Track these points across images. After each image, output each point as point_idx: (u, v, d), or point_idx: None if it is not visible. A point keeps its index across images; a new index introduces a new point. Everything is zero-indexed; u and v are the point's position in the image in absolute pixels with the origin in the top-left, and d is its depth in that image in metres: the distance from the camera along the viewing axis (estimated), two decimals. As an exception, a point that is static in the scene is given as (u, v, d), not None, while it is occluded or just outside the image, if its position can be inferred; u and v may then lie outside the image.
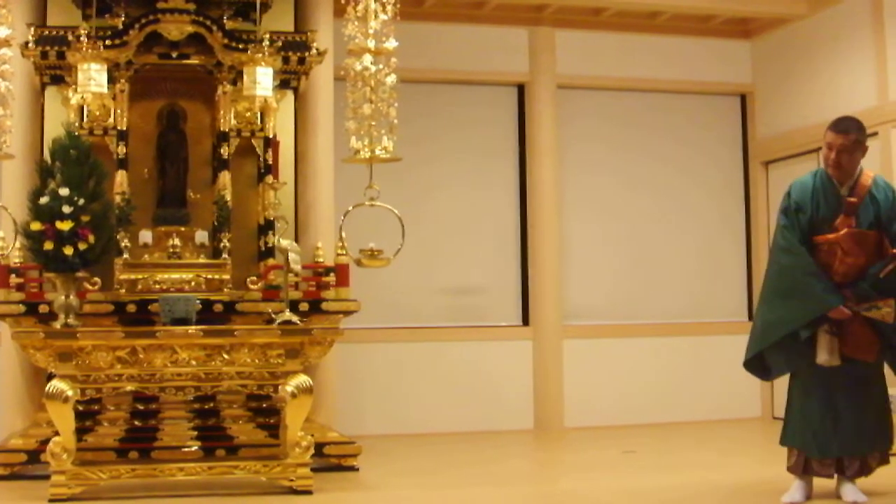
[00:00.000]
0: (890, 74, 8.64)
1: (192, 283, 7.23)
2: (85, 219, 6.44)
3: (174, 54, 7.38)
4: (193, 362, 6.30)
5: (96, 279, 7.09)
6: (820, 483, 5.97)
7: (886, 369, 6.02)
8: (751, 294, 10.18)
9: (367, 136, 7.00)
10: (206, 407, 7.37)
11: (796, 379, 6.00)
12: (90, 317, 6.86)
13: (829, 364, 5.76)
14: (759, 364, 6.09)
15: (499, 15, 9.71)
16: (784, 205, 5.99)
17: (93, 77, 6.83)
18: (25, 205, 6.73)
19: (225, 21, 7.43)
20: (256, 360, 6.36)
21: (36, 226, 6.45)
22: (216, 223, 7.41)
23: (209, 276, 7.27)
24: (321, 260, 7.64)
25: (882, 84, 8.70)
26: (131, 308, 7.03)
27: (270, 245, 7.42)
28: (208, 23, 7.22)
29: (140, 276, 7.22)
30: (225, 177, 7.45)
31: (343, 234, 7.34)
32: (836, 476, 5.91)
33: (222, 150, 7.48)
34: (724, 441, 8.79)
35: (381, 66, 6.99)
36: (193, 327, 6.41)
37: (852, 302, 5.72)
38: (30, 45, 7.28)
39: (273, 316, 6.70)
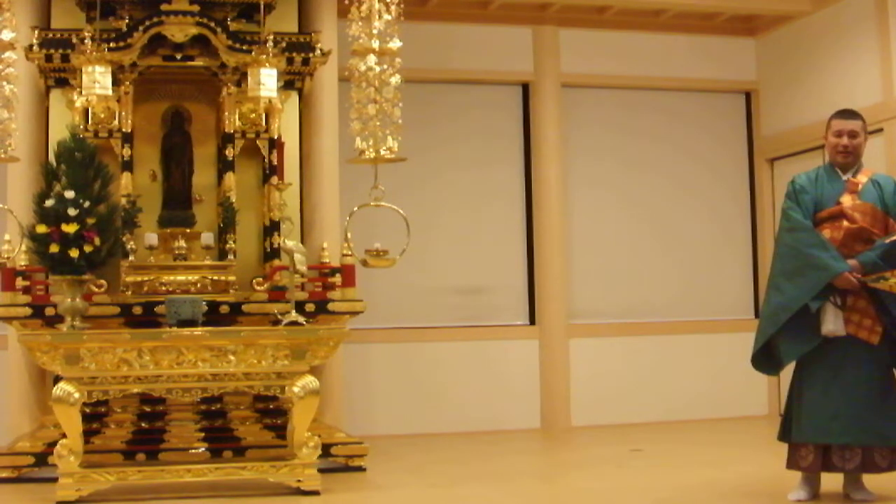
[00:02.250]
0: (895, 71, 8.63)
1: (198, 285, 7.24)
2: (90, 221, 6.45)
3: (178, 56, 7.37)
4: (200, 364, 6.30)
5: (102, 281, 7.10)
6: (825, 480, 5.95)
7: None
8: (756, 291, 10.17)
9: (372, 136, 7.02)
10: (213, 408, 7.38)
11: (801, 373, 5.98)
12: (96, 319, 6.86)
13: (835, 334, 5.75)
14: (766, 357, 6.07)
15: (503, 14, 9.71)
16: (788, 191, 6.07)
17: (97, 80, 6.84)
18: (31, 208, 6.74)
19: (229, 22, 7.43)
20: (263, 362, 6.36)
21: (41, 228, 6.45)
22: (222, 224, 7.41)
23: (215, 278, 7.28)
24: (327, 260, 7.65)
25: (887, 80, 8.69)
26: (137, 310, 7.03)
27: (276, 246, 7.41)
28: (212, 24, 7.22)
29: (146, 278, 7.22)
30: (230, 178, 7.46)
31: (349, 235, 7.35)
32: (843, 472, 5.88)
33: (227, 152, 7.49)
34: (730, 439, 8.78)
35: (385, 67, 7.01)
36: (200, 329, 6.42)
37: (859, 272, 5.74)
38: (34, 48, 7.29)
39: (279, 317, 6.70)
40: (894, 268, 5.72)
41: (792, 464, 5.95)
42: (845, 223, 5.88)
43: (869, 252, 5.79)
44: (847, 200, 5.92)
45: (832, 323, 5.78)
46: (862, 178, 5.98)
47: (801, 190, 5.98)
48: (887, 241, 5.79)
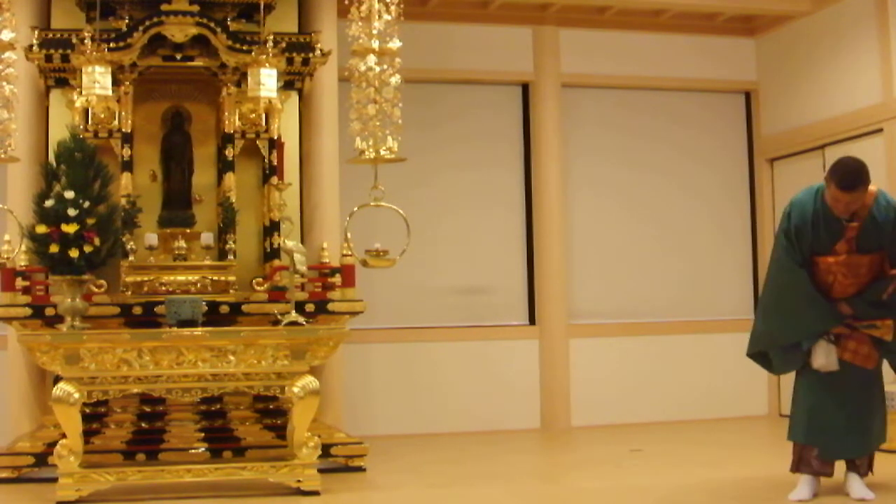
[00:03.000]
0: (895, 71, 8.62)
1: (198, 285, 7.24)
2: (90, 221, 6.46)
3: (178, 56, 7.37)
4: (200, 364, 6.30)
5: (102, 282, 7.10)
6: (825, 480, 5.96)
7: (885, 367, 6.05)
8: (756, 292, 10.15)
9: (372, 136, 7.03)
10: (213, 408, 7.39)
11: (802, 377, 6.01)
12: (96, 319, 6.87)
13: (826, 369, 5.79)
14: (762, 357, 6.12)
15: (503, 14, 9.70)
16: (784, 226, 5.98)
17: (97, 80, 6.84)
18: (31, 208, 6.74)
19: (229, 23, 7.43)
20: (263, 362, 6.36)
21: (41, 229, 6.46)
22: (221, 225, 7.41)
23: (215, 278, 7.28)
24: (327, 261, 7.65)
25: (887, 80, 8.67)
26: (137, 310, 7.03)
27: (276, 246, 7.42)
28: (212, 24, 7.22)
29: (146, 279, 7.23)
30: (230, 178, 7.46)
31: (349, 235, 7.35)
32: (846, 472, 5.91)
33: (227, 152, 7.49)
34: (730, 439, 8.78)
35: (385, 67, 7.01)
36: (199, 329, 6.42)
37: (851, 318, 5.76)
38: (34, 48, 7.29)
39: (279, 317, 6.71)
40: (884, 318, 5.76)
41: (803, 467, 6.00)
42: (839, 276, 5.86)
43: (860, 300, 5.81)
44: (842, 250, 5.85)
45: (823, 358, 5.82)
46: (861, 213, 5.83)
47: (799, 234, 5.88)
48: (884, 295, 5.79)
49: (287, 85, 7.66)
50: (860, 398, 5.83)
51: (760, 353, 6.12)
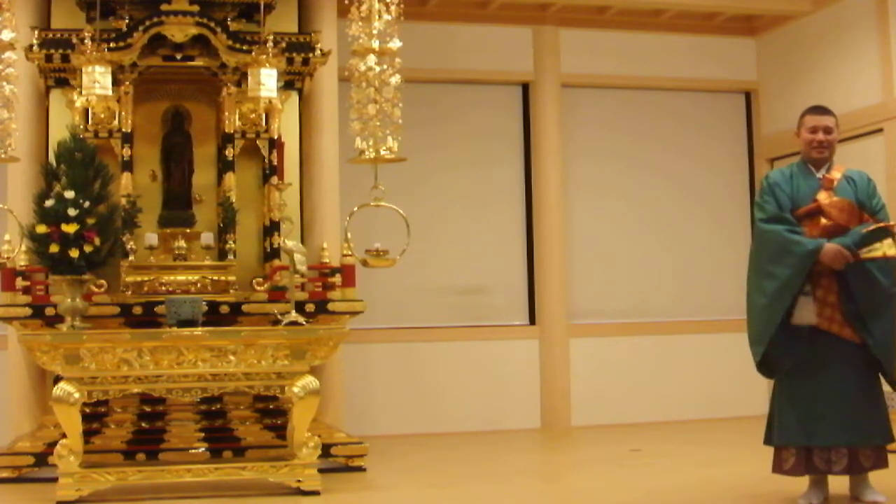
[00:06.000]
0: (895, 71, 8.62)
1: (198, 285, 7.24)
2: (90, 221, 6.47)
3: (178, 56, 7.37)
4: (200, 364, 6.30)
5: (102, 281, 7.10)
6: (830, 482, 5.93)
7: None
8: (757, 292, 10.15)
9: (372, 136, 7.03)
10: (213, 408, 7.39)
11: (783, 377, 5.94)
12: (96, 319, 6.87)
13: (807, 322, 5.73)
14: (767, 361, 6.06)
15: (503, 14, 9.71)
16: (762, 187, 6.03)
17: (97, 80, 6.84)
18: (31, 208, 6.75)
19: (229, 22, 7.43)
20: (263, 362, 6.36)
21: (41, 229, 6.46)
22: (222, 225, 7.41)
23: (215, 278, 7.28)
24: (327, 260, 7.65)
25: (887, 80, 8.68)
26: (137, 310, 7.03)
27: (276, 246, 7.41)
28: (212, 24, 7.22)
29: (146, 278, 7.22)
30: (230, 178, 7.46)
31: (349, 235, 7.35)
32: (852, 476, 5.85)
33: (227, 152, 7.49)
34: (730, 439, 8.78)
35: (385, 67, 7.02)
36: (200, 329, 6.42)
37: (849, 251, 5.70)
38: (34, 48, 7.28)
39: (279, 317, 6.71)
40: (881, 238, 5.72)
41: (776, 467, 5.91)
42: (822, 220, 5.82)
43: (844, 238, 5.74)
44: (824, 197, 5.86)
45: (804, 313, 5.76)
46: (836, 175, 5.94)
47: (776, 185, 5.93)
48: (864, 230, 5.76)
49: (287, 85, 7.66)
50: (841, 384, 5.69)
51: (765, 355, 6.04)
